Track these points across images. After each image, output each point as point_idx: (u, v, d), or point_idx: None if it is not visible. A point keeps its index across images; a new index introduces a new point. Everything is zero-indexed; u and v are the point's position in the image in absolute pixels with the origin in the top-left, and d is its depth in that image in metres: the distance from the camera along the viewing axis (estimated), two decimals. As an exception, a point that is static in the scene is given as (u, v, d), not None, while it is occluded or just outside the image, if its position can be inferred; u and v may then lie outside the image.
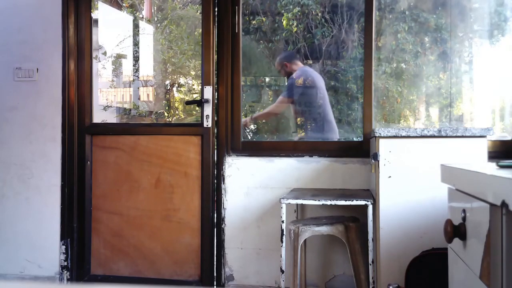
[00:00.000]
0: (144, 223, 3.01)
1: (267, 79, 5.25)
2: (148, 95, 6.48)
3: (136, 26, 6.39)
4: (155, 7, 7.04)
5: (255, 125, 5.08)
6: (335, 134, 3.51)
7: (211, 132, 2.90)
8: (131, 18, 6.39)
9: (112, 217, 3.05)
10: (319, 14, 4.74)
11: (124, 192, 3.04)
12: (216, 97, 2.96)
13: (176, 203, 2.97)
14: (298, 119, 3.68)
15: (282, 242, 2.31)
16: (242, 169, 2.90)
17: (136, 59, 6.23)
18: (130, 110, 6.36)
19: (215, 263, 2.95)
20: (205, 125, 2.90)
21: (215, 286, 2.92)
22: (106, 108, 6.16)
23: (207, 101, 2.90)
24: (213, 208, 2.91)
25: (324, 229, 2.33)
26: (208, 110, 2.90)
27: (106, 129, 3.24)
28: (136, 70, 6.29)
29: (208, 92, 2.90)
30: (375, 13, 2.87)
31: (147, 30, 6.60)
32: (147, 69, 6.50)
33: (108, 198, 3.06)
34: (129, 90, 6.72)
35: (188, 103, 3.11)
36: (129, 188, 3.03)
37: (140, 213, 3.01)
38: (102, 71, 6.16)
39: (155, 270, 2.99)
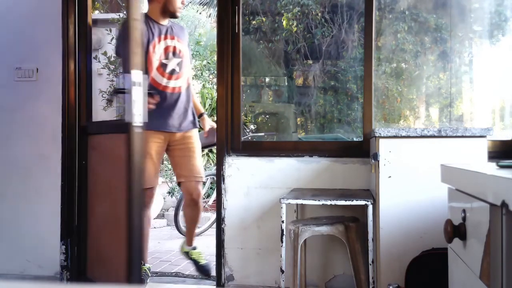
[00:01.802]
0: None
1: (267, 79, 5.25)
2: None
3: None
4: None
5: (255, 125, 5.09)
6: None
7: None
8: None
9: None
10: (319, 14, 4.74)
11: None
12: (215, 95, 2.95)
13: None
14: None
15: (282, 242, 2.31)
16: (242, 169, 2.90)
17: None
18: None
19: (215, 263, 2.95)
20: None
21: (215, 286, 2.92)
22: (106, 108, 6.16)
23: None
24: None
25: (324, 229, 2.33)
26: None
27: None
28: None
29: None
30: (375, 13, 2.87)
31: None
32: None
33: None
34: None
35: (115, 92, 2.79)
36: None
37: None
38: (102, 71, 6.16)
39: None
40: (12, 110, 3.12)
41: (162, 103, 2.71)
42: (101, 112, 5.91)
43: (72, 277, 3.04)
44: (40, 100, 3.08)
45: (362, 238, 2.43)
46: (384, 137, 2.17)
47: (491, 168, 0.97)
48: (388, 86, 4.52)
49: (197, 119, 2.96)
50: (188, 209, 2.97)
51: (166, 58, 2.82)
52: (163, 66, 2.79)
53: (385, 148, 2.17)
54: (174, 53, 2.84)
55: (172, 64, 2.82)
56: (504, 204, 0.73)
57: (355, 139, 4.29)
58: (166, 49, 2.82)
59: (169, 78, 2.79)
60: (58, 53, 3.04)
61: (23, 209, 3.09)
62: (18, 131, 3.11)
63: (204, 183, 3.05)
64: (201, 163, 2.93)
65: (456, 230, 1.03)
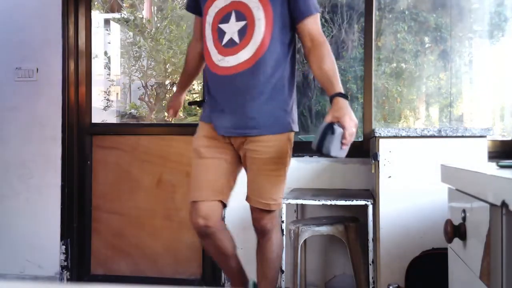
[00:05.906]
0: (145, 222, 3.01)
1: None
2: (148, 95, 6.49)
3: (136, 26, 6.40)
4: (155, 7, 7.04)
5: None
6: None
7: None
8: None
9: (112, 217, 3.05)
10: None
11: (125, 192, 3.04)
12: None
13: (178, 203, 2.96)
14: None
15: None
16: (242, 169, 2.89)
17: (136, 59, 6.23)
18: (130, 110, 6.36)
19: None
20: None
21: (215, 286, 2.92)
22: (106, 108, 6.16)
23: None
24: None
25: (324, 229, 2.33)
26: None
27: (106, 129, 3.24)
28: (136, 70, 6.29)
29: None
30: (375, 13, 2.88)
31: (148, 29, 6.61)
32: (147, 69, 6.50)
33: (108, 198, 3.06)
34: (129, 90, 6.73)
35: (190, 103, 2.89)
36: (130, 188, 3.03)
37: (141, 213, 3.01)
38: (102, 71, 6.17)
39: (156, 270, 2.99)
40: (12, 110, 3.12)
41: (211, 90, 1.88)
42: (101, 112, 5.91)
43: (72, 277, 3.04)
44: (40, 100, 3.08)
45: (362, 238, 2.43)
46: (384, 137, 2.17)
47: (491, 168, 0.97)
48: (388, 86, 4.51)
49: (288, 118, 1.95)
50: (258, 244, 2.04)
51: (224, 21, 1.80)
52: (219, 34, 1.81)
53: (385, 148, 2.17)
54: (238, 14, 1.78)
55: (230, 31, 1.79)
56: (504, 204, 0.73)
57: (355, 139, 4.28)
58: (227, 7, 1.80)
59: (223, 53, 1.80)
60: (58, 53, 3.04)
61: (23, 209, 3.09)
62: (18, 131, 3.11)
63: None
64: (274, 183, 1.96)
65: (456, 230, 1.03)
